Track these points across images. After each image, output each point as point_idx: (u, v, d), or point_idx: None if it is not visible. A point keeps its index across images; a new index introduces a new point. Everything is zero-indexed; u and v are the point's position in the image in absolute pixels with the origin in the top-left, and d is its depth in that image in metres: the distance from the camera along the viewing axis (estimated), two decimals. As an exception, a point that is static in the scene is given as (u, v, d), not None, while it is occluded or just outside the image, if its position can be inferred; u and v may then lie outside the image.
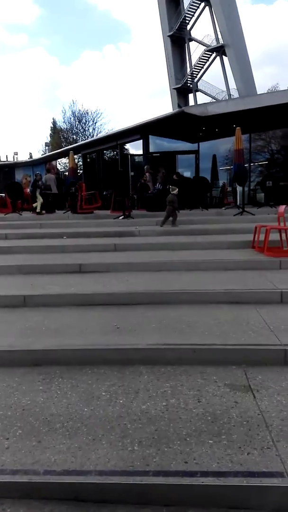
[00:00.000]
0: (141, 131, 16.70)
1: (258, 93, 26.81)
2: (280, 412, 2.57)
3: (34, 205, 12.71)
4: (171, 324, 3.98)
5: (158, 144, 18.26)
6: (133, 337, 3.69)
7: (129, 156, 19.69)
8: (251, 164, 16.92)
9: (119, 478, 2.09)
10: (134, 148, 19.94)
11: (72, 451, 2.31)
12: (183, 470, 2.08)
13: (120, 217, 10.95)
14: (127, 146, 20.66)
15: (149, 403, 2.75)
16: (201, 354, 3.37)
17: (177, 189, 9.78)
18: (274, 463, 2.08)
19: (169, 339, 3.59)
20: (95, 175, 21.11)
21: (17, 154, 37.91)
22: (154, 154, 17.56)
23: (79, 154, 22.57)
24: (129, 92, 79.00)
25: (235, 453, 2.18)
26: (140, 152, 17.91)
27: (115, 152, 21.07)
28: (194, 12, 31.26)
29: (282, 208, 7.15)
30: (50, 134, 46.18)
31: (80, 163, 24.34)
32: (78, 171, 22.16)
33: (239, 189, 13.00)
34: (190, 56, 32.92)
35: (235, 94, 28.54)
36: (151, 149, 17.47)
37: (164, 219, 9.47)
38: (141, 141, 17.38)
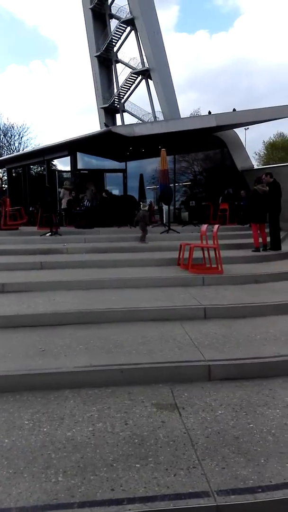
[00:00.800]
0: (69, 148, 16.59)
1: (182, 116, 28.10)
2: (205, 429, 2.61)
3: None
4: (99, 345, 3.92)
5: (86, 161, 18.24)
6: (59, 360, 3.56)
7: (57, 172, 19.42)
8: (176, 184, 17.56)
9: (41, 514, 1.97)
10: (63, 164, 19.75)
11: (-9, 489, 2.13)
12: (110, 499, 2.02)
13: (47, 234, 10.70)
14: (55, 162, 20.39)
15: (75, 429, 2.66)
16: (128, 374, 3.34)
17: (148, 206, 10.79)
18: (200, 483, 2.10)
19: (96, 360, 3.52)
20: (21, 191, 20.47)
21: None
22: (82, 171, 17.49)
23: (4, 168, 21.77)
24: (58, 108, 78.52)
25: (162, 475, 2.17)
26: (69, 168, 17.76)
27: (42, 168, 20.66)
28: (121, 35, 32.04)
29: (204, 227, 7.48)
30: (-28, 146, 44.05)
31: (5, 177, 23.46)
32: (3, 185, 21.34)
33: (165, 208, 13.38)
34: (117, 77, 33.57)
35: (160, 116, 29.57)
36: (79, 166, 17.39)
37: (142, 235, 9.89)
38: (69, 157, 17.26)
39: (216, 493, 2.02)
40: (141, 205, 10.72)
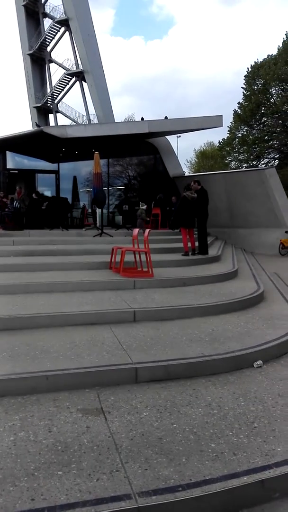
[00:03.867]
0: (-2, 146, 15.95)
1: (116, 121, 28.24)
2: (130, 432, 2.63)
3: None
4: (24, 351, 3.79)
5: (17, 161, 17.66)
6: (-20, 368, 3.39)
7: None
8: (110, 187, 17.60)
9: None
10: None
11: None
12: (29, 509, 1.95)
13: (-28, 236, 10.16)
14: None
15: (-5, 440, 2.54)
16: (54, 380, 3.26)
17: (146, 206, 13.07)
18: (122, 486, 2.10)
19: (21, 368, 3.40)
20: None
21: None
22: (12, 171, 16.88)
23: None
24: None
25: (84, 481, 2.14)
26: (-3, 167, 17.05)
27: None
28: (55, 35, 31.39)
29: (135, 231, 7.58)
30: None
31: None
32: None
33: (98, 211, 13.36)
34: (51, 77, 32.77)
35: (94, 119, 29.43)
36: (9, 166, 16.78)
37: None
38: (-3, 156, 16.59)
39: (138, 495, 2.04)
40: (140, 204, 12.97)
